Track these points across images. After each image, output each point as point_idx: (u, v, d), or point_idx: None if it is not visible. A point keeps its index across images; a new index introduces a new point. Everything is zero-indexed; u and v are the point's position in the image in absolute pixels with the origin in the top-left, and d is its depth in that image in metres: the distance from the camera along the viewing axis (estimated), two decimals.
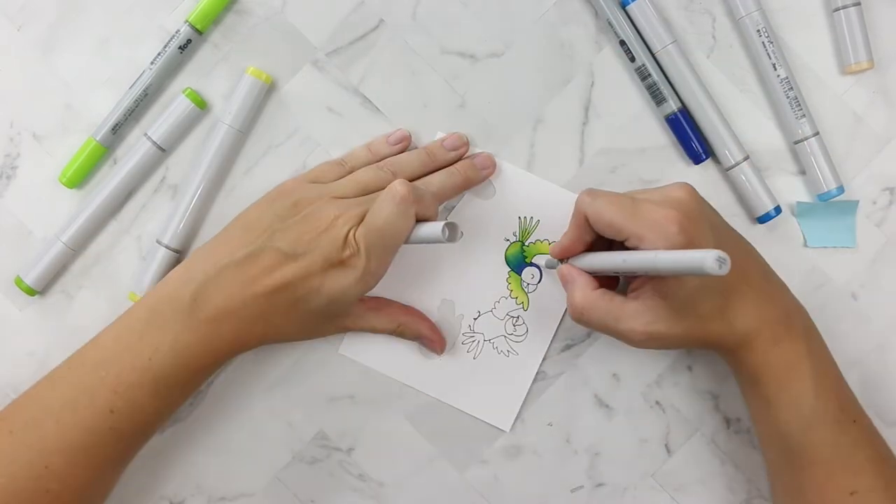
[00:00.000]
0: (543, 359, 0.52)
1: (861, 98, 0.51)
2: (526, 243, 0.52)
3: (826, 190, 0.50)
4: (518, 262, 0.52)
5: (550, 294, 0.52)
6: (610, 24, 0.50)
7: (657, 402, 0.52)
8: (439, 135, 0.52)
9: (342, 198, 0.48)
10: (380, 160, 0.51)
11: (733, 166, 0.51)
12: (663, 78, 0.51)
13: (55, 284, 0.54)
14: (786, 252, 0.51)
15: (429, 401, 0.53)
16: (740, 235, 0.47)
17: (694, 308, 0.43)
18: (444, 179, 0.50)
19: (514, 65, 0.52)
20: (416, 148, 0.52)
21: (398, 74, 0.52)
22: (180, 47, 0.51)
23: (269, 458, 0.53)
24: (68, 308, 0.54)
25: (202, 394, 0.53)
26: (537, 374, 0.52)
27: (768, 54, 0.50)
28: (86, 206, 0.52)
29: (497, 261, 0.52)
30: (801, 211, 0.51)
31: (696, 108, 0.50)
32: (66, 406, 0.46)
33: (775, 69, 0.50)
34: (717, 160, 0.51)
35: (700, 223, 0.43)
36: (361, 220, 0.46)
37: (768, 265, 0.47)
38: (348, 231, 0.46)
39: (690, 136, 0.51)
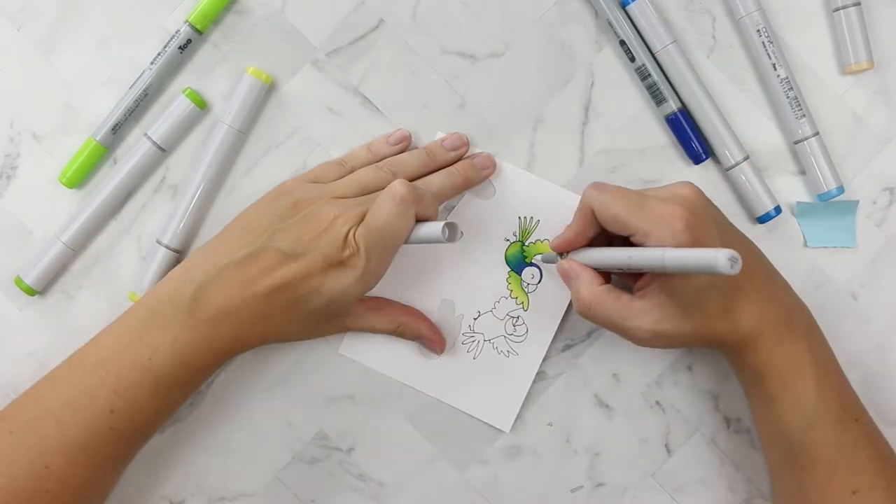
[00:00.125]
0: (543, 359, 0.52)
1: (861, 98, 0.51)
2: (526, 243, 0.52)
3: (826, 190, 0.50)
4: (518, 262, 0.52)
5: (550, 294, 0.52)
6: (610, 24, 0.50)
7: (657, 402, 0.52)
8: (439, 135, 0.52)
9: (342, 198, 0.48)
10: (380, 160, 0.51)
11: (733, 166, 0.50)
12: (663, 78, 0.51)
13: (55, 284, 0.54)
14: (786, 252, 0.51)
15: (429, 401, 0.53)
16: (744, 234, 0.47)
17: (700, 307, 0.43)
18: (444, 179, 0.50)
19: (514, 65, 0.52)
20: (416, 148, 0.52)
21: (398, 74, 0.52)
22: (180, 47, 0.51)
23: (269, 458, 0.53)
24: (68, 308, 0.54)
25: (202, 394, 0.53)
26: (537, 374, 0.52)
27: (768, 54, 0.50)
28: (86, 206, 0.52)
29: (497, 261, 0.52)
30: (801, 211, 0.51)
31: (696, 108, 0.50)
32: (66, 406, 0.46)
33: (775, 69, 0.50)
34: (717, 160, 0.51)
35: (706, 221, 0.43)
36: (361, 220, 0.46)
37: (771, 264, 0.47)
38: (348, 231, 0.46)
39: (690, 136, 0.51)
